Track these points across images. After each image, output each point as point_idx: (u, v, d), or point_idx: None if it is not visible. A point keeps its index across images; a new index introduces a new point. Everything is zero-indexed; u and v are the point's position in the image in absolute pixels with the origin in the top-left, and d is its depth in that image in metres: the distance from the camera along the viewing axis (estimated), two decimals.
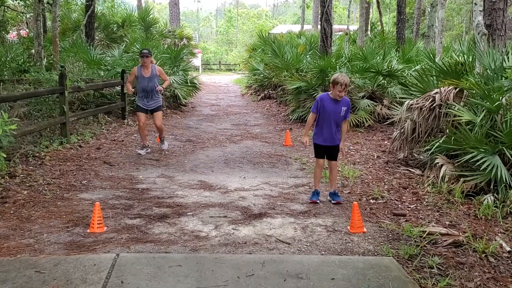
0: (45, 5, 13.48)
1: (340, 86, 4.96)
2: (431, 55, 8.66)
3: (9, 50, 11.28)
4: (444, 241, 3.99)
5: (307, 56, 14.08)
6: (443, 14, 11.46)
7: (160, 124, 7.62)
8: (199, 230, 4.24)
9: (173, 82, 12.94)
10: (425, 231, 4.16)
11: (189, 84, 13.87)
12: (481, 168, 5.07)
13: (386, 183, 5.94)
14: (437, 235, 4.09)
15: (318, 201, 5.14)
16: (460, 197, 5.08)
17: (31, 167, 6.23)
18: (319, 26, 14.10)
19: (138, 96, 7.47)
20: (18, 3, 14.11)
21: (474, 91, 5.93)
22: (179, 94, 12.99)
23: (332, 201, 5.16)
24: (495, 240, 4.02)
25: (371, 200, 5.25)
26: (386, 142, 8.54)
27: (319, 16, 13.47)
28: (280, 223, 4.46)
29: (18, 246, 3.78)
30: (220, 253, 3.74)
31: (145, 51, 7.32)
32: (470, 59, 7.21)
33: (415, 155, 6.99)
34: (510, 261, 3.67)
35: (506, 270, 3.53)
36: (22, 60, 11.07)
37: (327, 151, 5.23)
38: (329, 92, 5.16)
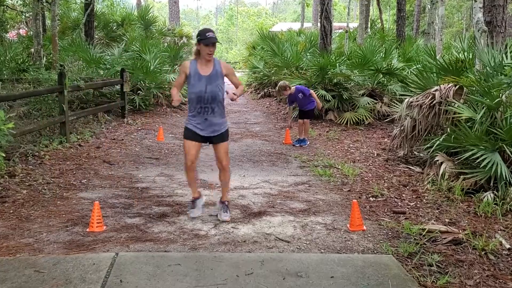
0: (44, 4, 13.45)
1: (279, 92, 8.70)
2: (432, 52, 8.63)
3: (8, 49, 11.27)
4: (444, 238, 3.98)
5: (307, 54, 14.06)
6: (443, 11, 11.44)
7: (226, 162, 4.48)
8: (198, 228, 4.24)
9: (172, 80, 12.93)
10: (425, 229, 4.15)
11: None
12: (481, 166, 5.06)
13: (386, 181, 5.93)
14: (436, 232, 4.08)
15: (300, 144, 8.26)
16: (460, 195, 5.07)
17: (31, 167, 6.23)
18: (319, 24, 14.08)
19: (189, 113, 4.35)
20: (17, 2, 14.10)
21: (474, 88, 5.92)
22: None
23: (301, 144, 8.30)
24: (495, 238, 4.01)
25: (370, 198, 5.24)
26: (386, 139, 8.53)
27: (319, 14, 13.45)
28: (280, 221, 4.46)
29: (17, 245, 3.77)
30: (219, 251, 3.74)
31: (210, 33, 4.23)
32: (470, 56, 7.20)
33: (415, 152, 6.98)
34: (510, 259, 3.66)
35: (505, 267, 3.53)
36: (21, 59, 11.07)
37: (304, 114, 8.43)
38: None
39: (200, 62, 4.28)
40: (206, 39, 4.18)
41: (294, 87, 8.28)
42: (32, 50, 12.18)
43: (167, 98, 12.78)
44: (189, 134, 4.34)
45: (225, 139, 4.40)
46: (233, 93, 4.30)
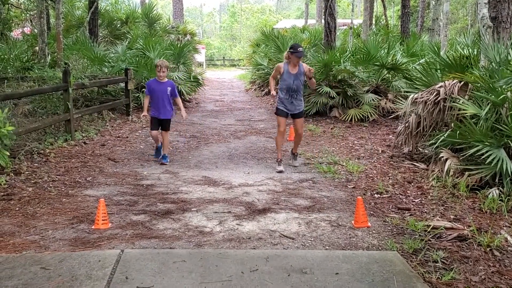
0: (48, 2, 13.49)
1: (158, 67, 6.50)
2: (436, 48, 8.59)
3: (13, 47, 11.31)
4: (449, 235, 3.98)
5: (311, 51, 14.03)
6: (448, 7, 11.37)
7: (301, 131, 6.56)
8: (203, 225, 4.25)
9: (176, 78, 12.95)
10: (430, 225, 4.15)
11: (192, 80, 13.88)
12: (486, 162, 5.04)
13: (390, 177, 5.92)
14: (441, 229, 4.08)
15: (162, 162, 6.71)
16: (465, 191, 5.06)
17: (36, 164, 6.26)
18: (323, 21, 14.06)
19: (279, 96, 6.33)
20: (21, 2, 14.15)
21: (479, 84, 5.89)
22: (182, 90, 12.97)
23: (162, 161, 6.65)
24: (500, 234, 4.00)
25: (375, 195, 5.23)
26: (390, 136, 8.51)
27: (323, 11, 13.43)
28: (284, 218, 4.46)
29: (24, 242, 3.80)
30: (224, 248, 3.75)
31: (300, 48, 6.07)
32: (475, 52, 7.16)
33: (420, 149, 6.96)
34: None
35: (511, 263, 3.52)
36: (26, 57, 11.10)
37: (160, 123, 6.65)
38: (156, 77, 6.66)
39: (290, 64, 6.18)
40: (297, 52, 6.02)
41: (167, 79, 6.77)
42: (37, 48, 12.22)
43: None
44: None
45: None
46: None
